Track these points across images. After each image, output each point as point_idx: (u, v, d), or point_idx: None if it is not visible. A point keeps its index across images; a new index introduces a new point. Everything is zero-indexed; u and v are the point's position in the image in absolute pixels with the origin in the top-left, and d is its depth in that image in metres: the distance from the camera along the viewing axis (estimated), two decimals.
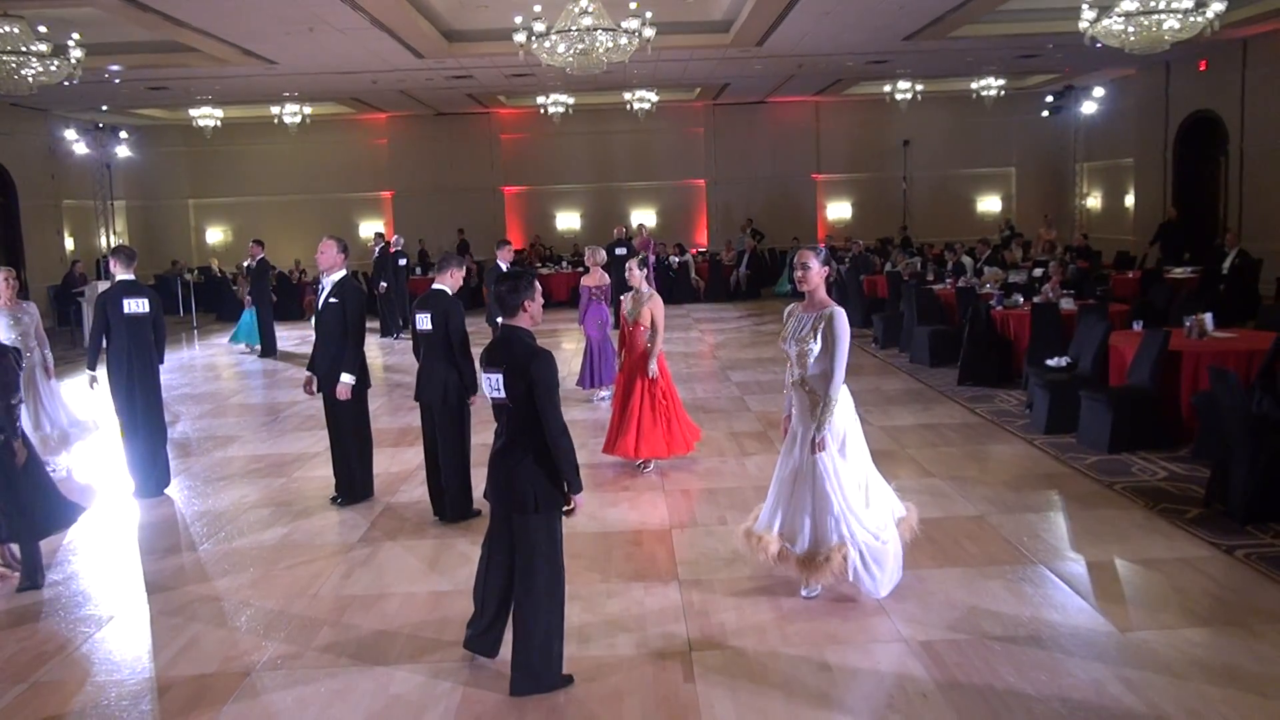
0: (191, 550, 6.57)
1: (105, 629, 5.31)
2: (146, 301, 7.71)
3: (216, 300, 21.47)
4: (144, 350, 7.69)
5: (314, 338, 7.34)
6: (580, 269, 19.71)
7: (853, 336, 5.58)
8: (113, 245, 22.39)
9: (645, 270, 8.00)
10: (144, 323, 7.67)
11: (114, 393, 7.71)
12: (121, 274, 7.73)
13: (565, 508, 4.36)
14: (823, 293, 5.22)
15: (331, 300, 7.07)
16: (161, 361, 7.94)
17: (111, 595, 5.81)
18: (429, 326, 6.71)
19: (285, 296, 20.39)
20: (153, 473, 7.88)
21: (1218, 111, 18.09)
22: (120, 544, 6.77)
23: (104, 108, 20.37)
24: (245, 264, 16.92)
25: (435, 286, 6.83)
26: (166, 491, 7.97)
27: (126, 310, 7.60)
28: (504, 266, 11.45)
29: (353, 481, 7.39)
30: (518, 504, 4.29)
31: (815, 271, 5.17)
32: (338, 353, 7.02)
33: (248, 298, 15.89)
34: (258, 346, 15.69)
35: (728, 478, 7.76)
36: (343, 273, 7.15)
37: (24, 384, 8.27)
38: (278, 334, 16.10)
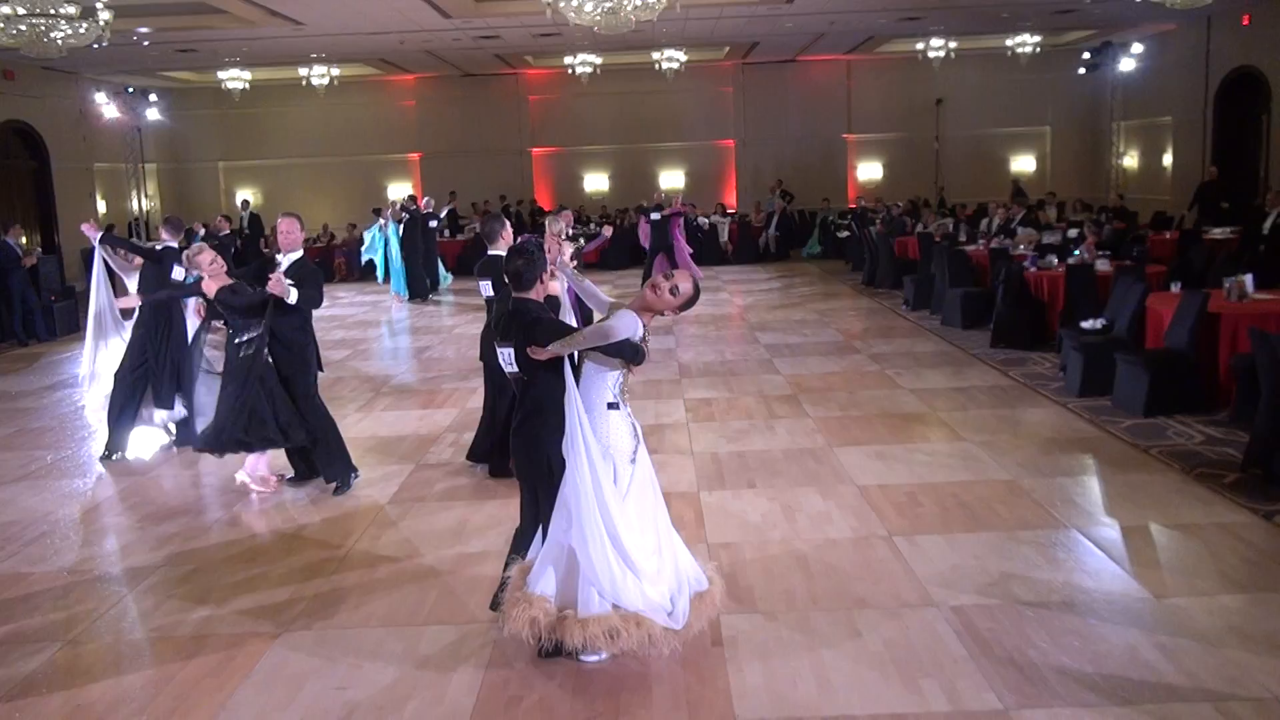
0: (221, 511, 6.63)
1: (138, 589, 5.37)
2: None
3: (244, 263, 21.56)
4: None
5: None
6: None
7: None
8: (144, 208, 22.66)
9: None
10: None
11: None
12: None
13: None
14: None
15: (288, 282, 6.62)
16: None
17: (144, 555, 5.88)
18: (491, 293, 6.64)
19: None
20: (123, 429, 7.99)
21: (1260, 68, 17.58)
22: (151, 505, 6.84)
23: (126, 70, 20.37)
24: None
25: (491, 253, 6.72)
26: (194, 452, 7.99)
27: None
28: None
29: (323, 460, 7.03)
30: (538, 474, 4.35)
31: None
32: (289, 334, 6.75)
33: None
34: None
35: (756, 440, 7.72)
36: (299, 253, 6.81)
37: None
38: None
